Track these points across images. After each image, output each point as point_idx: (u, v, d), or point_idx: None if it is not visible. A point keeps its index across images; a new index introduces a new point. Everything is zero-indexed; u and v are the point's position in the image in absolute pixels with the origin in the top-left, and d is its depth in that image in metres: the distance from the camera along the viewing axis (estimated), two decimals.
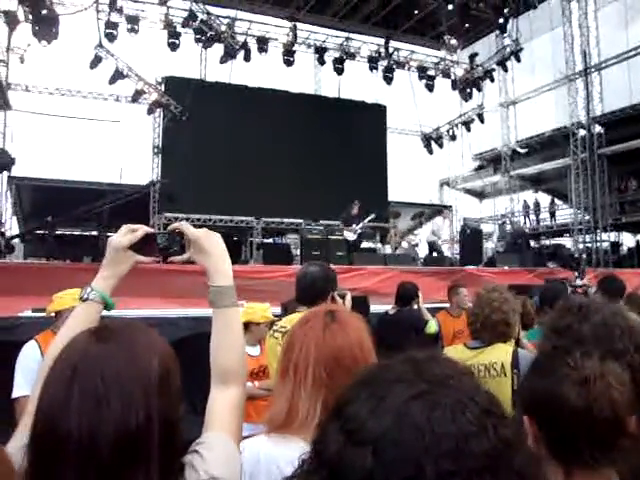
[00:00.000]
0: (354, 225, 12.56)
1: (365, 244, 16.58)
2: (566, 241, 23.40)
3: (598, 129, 21.15)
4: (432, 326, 5.50)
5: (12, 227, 19.32)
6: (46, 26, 14.48)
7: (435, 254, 13.59)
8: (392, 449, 0.61)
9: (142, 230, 1.48)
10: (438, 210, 27.65)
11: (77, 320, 1.40)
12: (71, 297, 4.00)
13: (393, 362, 0.73)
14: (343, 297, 3.28)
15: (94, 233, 22.92)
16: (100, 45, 15.77)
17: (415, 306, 5.64)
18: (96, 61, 15.82)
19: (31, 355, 3.55)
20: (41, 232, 17.58)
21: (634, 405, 1.21)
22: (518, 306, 3.12)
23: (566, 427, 1.21)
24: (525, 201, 24.70)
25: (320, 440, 0.69)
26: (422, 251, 16.06)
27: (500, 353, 2.82)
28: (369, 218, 12.90)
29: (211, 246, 1.46)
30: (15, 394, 3.41)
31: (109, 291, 1.48)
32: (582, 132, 20.84)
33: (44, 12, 14.35)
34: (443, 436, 0.61)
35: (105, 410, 0.96)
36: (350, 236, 12.45)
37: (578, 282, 7.56)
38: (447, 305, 6.32)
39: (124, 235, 1.48)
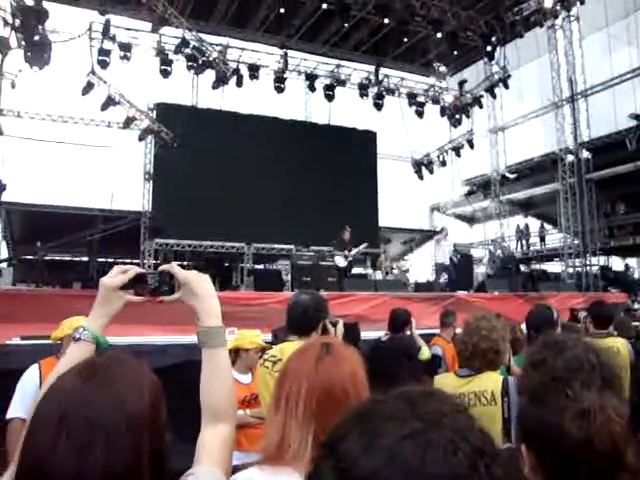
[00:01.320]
0: (346, 251, 12.45)
1: (356, 269, 16.58)
2: (555, 265, 23.53)
3: (586, 154, 21.40)
4: (425, 352, 5.49)
5: (1, 252, 19.19)
6: (38, 52, 14.57)
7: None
8: None
9: (133, 271, 1.53)
10: (429, 236, 27.85)
11: (72, 358, 1.42)
12: (70, 325, 3.99)
13: (388, 398, 0.73)
14: (335, 325, 3.28)
15: (84, 259, 22.87)
16: (92, 72, 15.88)
17: (408, 332, 5.64)
18: (88, 87, 15.92)
19: (30, 379, 3.56)
20: (30, 257, 17.48)
21: (629, 438, 1.21)
22: (507, 334, 3.15)
23: (566, 459, 1.20)
24: (518, 225, 24.84)
25: (314, 476, 0.69)
26: (413, 276, 16.08)
27: (490, 381, 2.84)
28: (362, 247, 12.83)
29: (201, 288, 1.50)
30: (9, 415, 3.42)
31: (101, 330, 1.52)
32: (570, 157, 21.08)
33: (36, 38, 14.44)
34: (434, 478, 0.60)
35: (92, 456, 0.95)
36: (341, 262, 12.36)
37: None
38: (437, 331, 6.33)
39: (115, 276, 1.52)
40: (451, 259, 13.95)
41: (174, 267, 1.53)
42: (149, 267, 17.90)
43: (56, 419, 0.97)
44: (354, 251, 12.60)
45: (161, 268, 1.55)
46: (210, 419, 1.41)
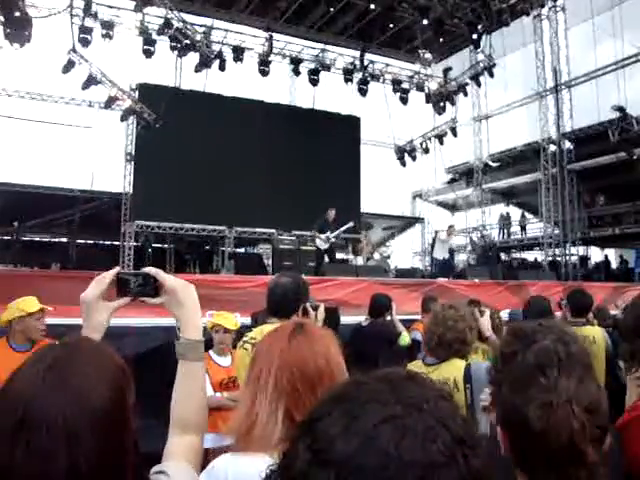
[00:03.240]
0: (328, 233, 12.21)
1: (337, 255, 16.58)
2: (535, 254, 23.78)
3: (568, 145, 21.58)
4: (405, 338, 5.51)
5: None
6: (19, 29, 14.25)
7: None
8: (356, 475, 0.59)
9: (109, 276, 1.48)
10: (410, 222, 27.97)
11: None
12: (17, 307, 3.98)
13: (370, 379, 0.71)
14: (316, 309, 3.27)
15: (64, 240, 22.68)
16: (73, 50, 15.56)
17: (388, 317, 5.65)
18: (69, 66, 15.62)
19: None
20: (8, 238, 17.27)
21: (596, 433, 1.21)
22: (474, 322, 3.18)
23: (527, 447, 1.21)
24: (501, 214, 25.03)
25: (289, 454, 0.67)
26: (394, 262, 16.12)
27: (454, 368, 2.90)
28: (347, 226, 12.47)
29: (186, 298, 1.47)
30: None
31: None
32: (552, 147, 21.26)
33: (16, 14, 14.14)
34: (410, 465, 0.59)
35: (55, 463, 0.89)
36: (322, 244, 12.19)
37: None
38: (418, 317, 6.35)
39: (93, 287, 1.47)
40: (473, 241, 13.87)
41: (160, 273, 1.49)
42: (129, 249, 17.79)
43: (13, 426, 0.91)
44: (337, 231, 12.34)
45: (146, 270, 1.50)
46: (179, 430, 1.40)
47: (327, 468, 0.60)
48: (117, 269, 1.51)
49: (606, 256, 23.32)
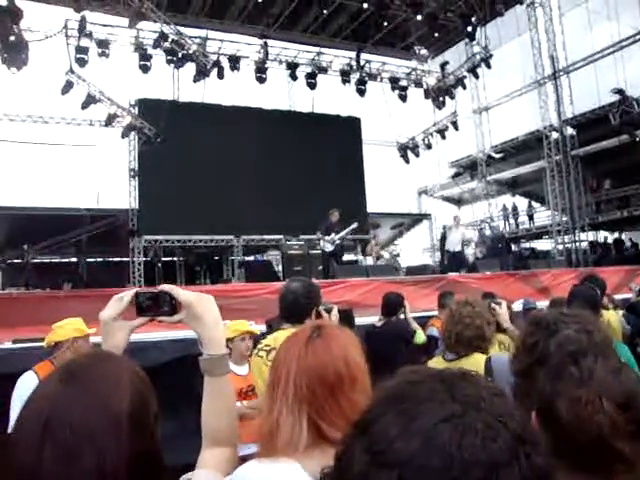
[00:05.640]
0: (333, 235, 12.02)
1: (346, 256, 16.54)
2: (545, 243, 23.67)
3: (570, 131, 21.48)
4: (420, 336, 5.49)
5: None
6: (15, 53, 14.36)
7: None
8: (418, 475, 0.58)
9: (128, 296, 1.47)
10: (418, 219, 27.91)
11: None
12: (72, 327, 3.94)
13: (423, 379, 0.70)
14: (329, 311, 3.26)
15: (73, 259, 22.80)
16: (71, 70, 15.67)
17: (402, 316, 5.63)
18: (67, 87, 15.71)
19: (28, 387, 3.46)
20: (18, 261, 17.37)
21: (631, 429, 1.18)
22: (491, 316, 3.15)
23: (560, 433, 1.19)
24: (504, 205, 24.95)
25: (344, 457, 0.66)
26: (404, 260, 16.07)
27: (474, 362, 2.86)
28: (351, 227, 12.28)
29: (204, 312, 1.44)
30: (11, 429, 3.32)
31: None
32: (555, 135, 21.17)
33: (12, 39, 14.23)
34: (472, 465, 0.58)
35: (80, 462, 0.92)
36: (327, 247, 12.03)
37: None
38: (432, 313, 6.34)
39: (111, 307, 1.47)
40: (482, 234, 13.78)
41: (174, 289, 1.46)
42: (139, 265, 17.84)
43: (40, 426, 0.94)
44: (342, 233, 12.13)
45: (160, 288, 1.48)
46: (211, 443, 1.40)
47: (389, 469, 0.60)
48: (136, 289, 1.49)
49: (620, 239, 23.13)
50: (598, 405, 1.18)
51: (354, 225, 12.40)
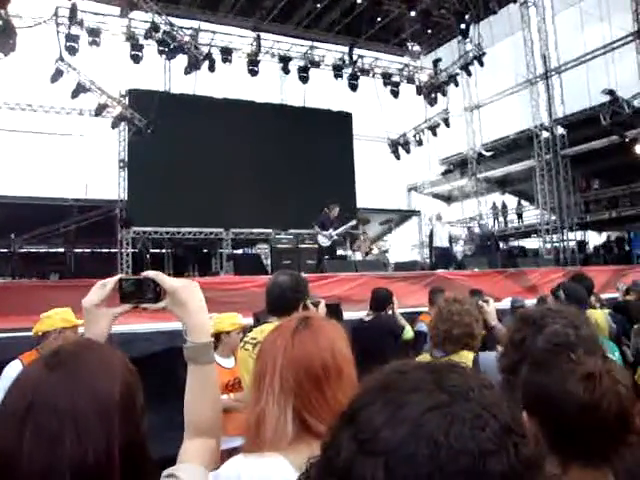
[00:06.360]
0: (330, 230, 11.87)
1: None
2: (533, 242, 23.79)
3: (561, 131, 21.58)
4: (408, 332, 5.49)
5: None
6: (3, 38, 14.17)
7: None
8: (405, 463, 0.58)
9: (112, 282, 1.44)
10: (406, 216, 27.96)
11: None
12: (60, 318, 3.92)
13: (411, 369, 0.70)
14: (317, 305, 3.24)
15: (61, 250, 22.65)
16: (61, 58, 15.50)
17: (390, 312, 5.63)
18: (57, 75, 15.55)
19: (14, 376, 3.44)
20: (5, 250, 17.23)
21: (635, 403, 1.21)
22: (479, 314, 3.13)
23: (572, 423, 1.20)
24: (494, 203, 25.04)
25: (331, 446, 0.66)
26: (392, 256, 16.08)
27: (462, 360, 2.82)
28: (350, 224, 12.26)
29: (189, 299, 1.40)
30: None
31: None
32: (545, 134, 21.26)
33: (0, 23, 14.06)
34: (460, 453, 0.57)
35: (62, 447, 0.90)
36: (324, 242, 11.88)
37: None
38: (421, 310, 6.35)
39: (94, 293, 1.43)
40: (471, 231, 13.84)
41: (159, 275, 1.42)
42: (127, 256, 17.75)
43: (22, 410, 0.93)
44: (340, 229, 12.04)
45: (145, 274, 1.44)
46: (194, 434, 1.36)
47: (375, 457, 0.59)
48: (119, 276, 1.47)
49: (608, 236, 23.33)
50: (613, 377, 1.20)
51: (353, 222, 12.44)
